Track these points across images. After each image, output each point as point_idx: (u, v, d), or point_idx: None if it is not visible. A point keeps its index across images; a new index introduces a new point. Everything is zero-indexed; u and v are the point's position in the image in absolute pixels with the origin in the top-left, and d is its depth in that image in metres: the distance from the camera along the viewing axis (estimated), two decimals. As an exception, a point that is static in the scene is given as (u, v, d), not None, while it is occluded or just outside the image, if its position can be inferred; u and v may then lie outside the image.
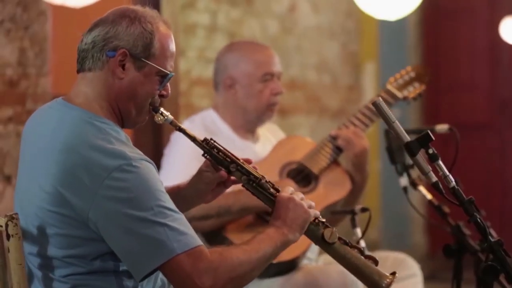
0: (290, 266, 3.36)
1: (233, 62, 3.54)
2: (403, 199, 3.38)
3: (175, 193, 2.48)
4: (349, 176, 3.51)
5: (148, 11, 2.35)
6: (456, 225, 3.13)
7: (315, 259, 3.57)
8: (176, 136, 3.43)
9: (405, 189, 3.38)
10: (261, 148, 3.55)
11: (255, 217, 3.32)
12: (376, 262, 2.43)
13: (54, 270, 2.25)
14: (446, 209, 3.27)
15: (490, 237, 2.34)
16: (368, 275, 2.40)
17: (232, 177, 2.48)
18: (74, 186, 2.16)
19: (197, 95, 5.11)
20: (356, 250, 2.42)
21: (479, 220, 2.35)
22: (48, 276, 2.26)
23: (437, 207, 3.30)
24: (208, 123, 3.53)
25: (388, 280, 2.39)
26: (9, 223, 2.21)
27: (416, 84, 3.67)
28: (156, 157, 4.59)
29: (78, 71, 2.34)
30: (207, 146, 2.42)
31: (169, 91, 2.39)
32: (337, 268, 3.35)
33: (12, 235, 2.21)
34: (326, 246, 2.41)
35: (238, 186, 2.57)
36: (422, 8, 6.97)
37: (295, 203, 2.37)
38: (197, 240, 2.18)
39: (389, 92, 3.61)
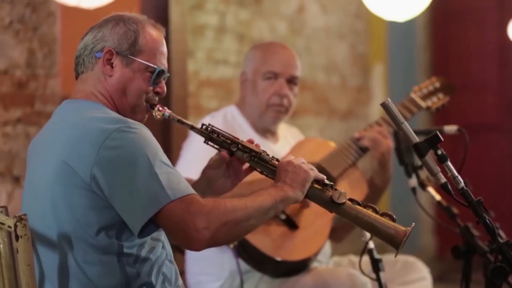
0: (301, 267, 3.36)
1: (248, 59, 3.59)
2: (412, 200, 3.38)
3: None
4: (369, 179, 3.52)
5: (136, 15, 2.47)
6: (465, 226, 3.12)
7: (326, 262, 3.56)
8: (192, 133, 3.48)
9: (413, 190, 3.38)
10: (280, 149, 3.53)
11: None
12: (392, 218, 2.42)
13: (63, 258, 2.29)
14: (455, 210, 3.26)
15: (499, 238, 2.34)
16: (384, 231, 2.40)
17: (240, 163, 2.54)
18: (77, 153, 2.25)
19: (205, 96, 5.11)
20: (370, 209, 2.43)
21: (488, 221, 2.34)
22: (59, 272, 2.31)
23: (446, 208, 3.29)
24: (229, 119, 3.54)
25: (404, 232, 2.38)
26: (18, 224, 2.22)
27: (440, 95, 3.67)
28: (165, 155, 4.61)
29: (76, 78, 2.47)
30: (206, 132, 2.49)
31: (164, 89, 2.48)
32: (347, 270, 3.36)
33: (21, 236, 2.22)
34: (336, 207, 2.42)
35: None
36: (430, 10, 6.97)
37: (293, 165, 2.43)
38: (190, 190, 2.26)
39: (413, 101, 3.61)
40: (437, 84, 3.69)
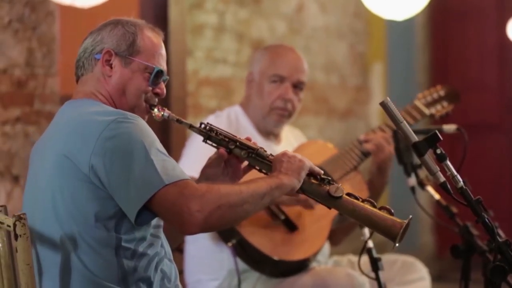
0: (299, 267, 3.37)
1: (256, 60, 3.59)
2: (411, 199, 3.38)
3: None
4: (368, 181, 3.52)
5: (134, 19, 2.52)
6: (464, 225, 3.12)
7: (325, 262, 3.56)
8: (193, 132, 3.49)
9: (413, 189, 3.38)
10: (282, 150, 3.52)
11: (268, 214, 3.32)
12: (390, 212, 2.42)
13: (64, 256, 2.31)
14: (454, 209, 3.26)
15: (498, 237, 2.34)
16: (381, 224, 2.40)
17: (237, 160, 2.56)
18: (76, 146, 2.29)
19: (204, 95, 5.12)
20: (368, 203, 2.43)
21: (487, 220, 2.34)
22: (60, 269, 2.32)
23: (445, 207, 3.29)
24: (233, 119, 3.54)
25: (401, 224, 2.38)
26: (17, 223, 2.22)
27: (445, 103, 3.69)
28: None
29: (76, 81, 2.52)
30: (205, 131, 2.52)
31: (164, 91, 2.52)
32: (345, 270, 3.36)
33: (20, 235, 2.23)
34: (333, 201, 2.42)
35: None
36: (429, 8, 6.96)
37: (288, 156, 2.46)
38: (185, 175, 2.28)
39: (417, 108, 3.63)
40: (442, 92, 3.70)
